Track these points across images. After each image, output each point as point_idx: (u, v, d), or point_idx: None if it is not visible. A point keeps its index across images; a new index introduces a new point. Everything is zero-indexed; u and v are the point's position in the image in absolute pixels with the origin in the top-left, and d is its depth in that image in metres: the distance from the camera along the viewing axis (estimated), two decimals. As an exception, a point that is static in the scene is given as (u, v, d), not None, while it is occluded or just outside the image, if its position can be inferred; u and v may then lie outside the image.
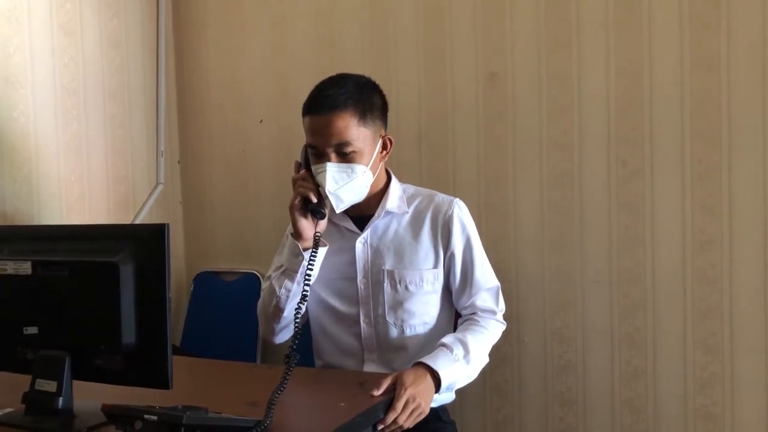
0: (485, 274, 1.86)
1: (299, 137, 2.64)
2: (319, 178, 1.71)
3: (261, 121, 2.75)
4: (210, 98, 2.84)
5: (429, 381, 1.61)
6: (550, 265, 2.32)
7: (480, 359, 1.77)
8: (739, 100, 2.07)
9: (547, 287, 2.33)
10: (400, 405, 1.51)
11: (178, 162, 2.91)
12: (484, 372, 2.36)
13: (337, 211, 1.75)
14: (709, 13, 2.08)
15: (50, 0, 2.35)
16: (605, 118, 2.22)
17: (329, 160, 1.70)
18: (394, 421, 1.51)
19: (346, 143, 1.70)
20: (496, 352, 2.36)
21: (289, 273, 1.74)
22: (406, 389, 1.53)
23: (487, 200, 2.35)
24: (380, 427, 1.50)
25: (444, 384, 1.63)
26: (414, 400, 1.53)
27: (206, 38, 2.83)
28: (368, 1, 2.52)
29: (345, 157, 1.70)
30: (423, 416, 1.56)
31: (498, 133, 2.36)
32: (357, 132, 1.71)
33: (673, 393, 2.19)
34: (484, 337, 1.79)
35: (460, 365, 1.69)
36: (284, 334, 1.85)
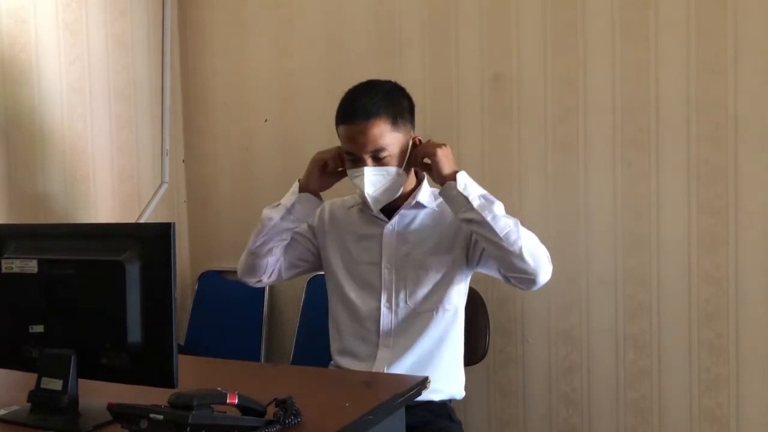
0: None
1: (304, 137, 2.67)
2: (356, 182, 1.79)
3: (266, 121, 2.75)
4: (215, 98, 2.84)
5: (453, 160, 1.77)
6: (555, 266, 2.29)
7: (507, 218, 1.72)
8: (746, 101, 2.06)
9: (552, 288, 2.31)
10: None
11: (183, 161, 2.91)
12: (489, 371, 2.38)
13: (374, 212, 1.85)
14: (716, 15, 2.08)
15: (56, -1, 2.36)
16: (611, 119, 2.22)
17: (365, 165, 1.76)
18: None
19: (381, 149, 1.76)
20: (500, 353, 2.37)
21: (280, 208, 1.85)
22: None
23: (492, 200, 2.35)
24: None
25: (459, 179, 1.71)
26: (433, 142, 1.76)
27: (212, 38, 2.83)
28: (374, 3, 2.52)
29: (380, 161, 1.77)
30: (431, 150, 1.74)
31: (503, 134, 2.36)
32: (390, 137, 1.77)
33: (679, 394, 2.19)
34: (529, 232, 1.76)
35: (482, 191, 1.73)
36: (251, 275, 1.93)
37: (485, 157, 2.38)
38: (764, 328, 2.08)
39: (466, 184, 1.71)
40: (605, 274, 2.25)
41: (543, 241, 2.29)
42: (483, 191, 1.74)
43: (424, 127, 2.41)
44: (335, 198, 2.01)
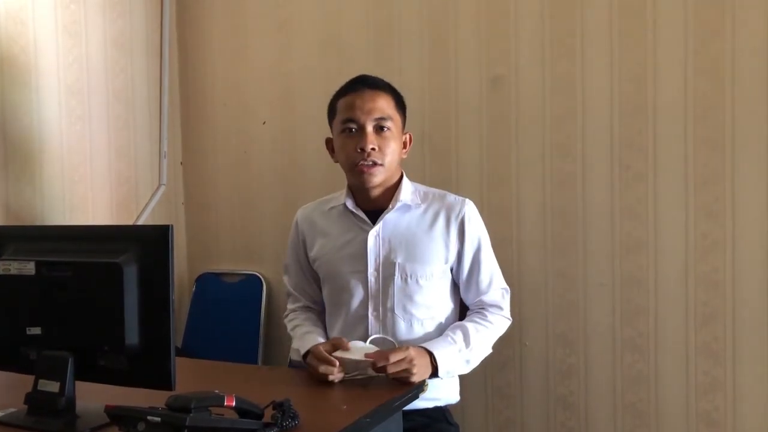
0: (494, 274, 1.90)
1: (302, 139, 2.67)
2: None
3: (264, 123, 2.75)
4: (213, 100, 2.84)
5: (428, 361, 1.68)
6: (553, 268, 2.32)
7: (480, 349, 1.81)
8: (743, 105, 2.07)
9: (549, 290, 2.33)
10: (395, 358, 1.59)
11: (181, 163, 2.91)
12: (486, 374, 2.38)
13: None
14: (714, 20, 2.08)
15: (55, 1, 2.36)
16: (609, 122, 2.22)
17: (366, 134, 1.79)
18: (382, 367, 1.58)
19: (387, 118, 1.81)
20: (498, 355, 2.36)
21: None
22: (409, 351, 1.62)
23: (490, 203, 2.36)
24: (369, 359, 1.59)
25: (441, 369, 1.69)
26: (410, 362, 1.60)
27: (210, 40, 2.83)
28: (373, 4, 2.52)
29: (381, 132, 1.80)
30: (407, 379, 1.61)
31: (501, 135, 2.36)
32: (394, 113, 1.84)
33: (676, 398, 2.19)
34: (488, 330, 1.83)
35: (460, 354, 1.75)
36: None
37: (483, 158, 2.39)
38: (761, 331, 2.08)
39: (448, 371, 1.72)
40: (603, 276, 2.25)
41: (542, 241, 2.31)
42: (458, 348, 1.75)
43: (422, 129, 2.42)
44: (307, 204, 2.00)
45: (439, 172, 2.42)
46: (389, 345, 1.75)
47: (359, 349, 1.65)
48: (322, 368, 1.60)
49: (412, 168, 2.40)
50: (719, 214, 2.11)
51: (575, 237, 2.28)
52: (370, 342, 1.73)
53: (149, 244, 1.38)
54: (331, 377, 1.60)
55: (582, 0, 2.23)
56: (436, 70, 2.44)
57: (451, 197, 1.90)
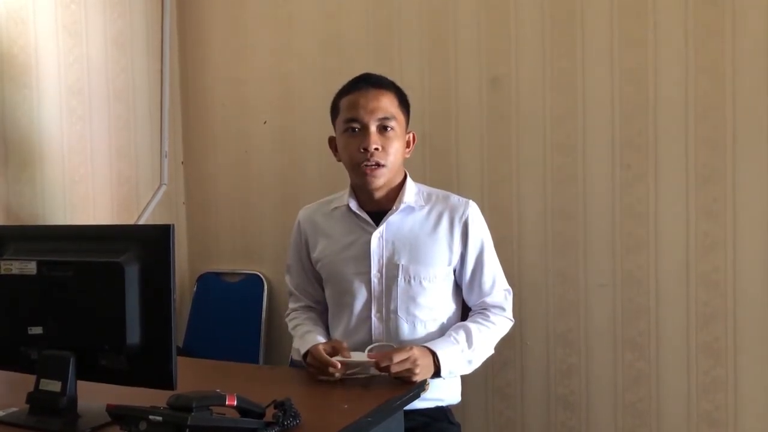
0: (497, 276, 1.90)
1: (302, 138, 2.67)
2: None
3: (264, 123, 2.75)
4: (214, 99, 2.84)
5: (431, 361, 1.68)
6: (554, 268, 2.32)
7: (483, 350, 1.82)
8: (744, 104, 2.07)
9: (550, 290, 2.33)
10: (398, 358, 1.59)
11: (182, 163, 2.91)
12: (487, 374, 2.38)
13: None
14: (714, 19, 2.08)
15: (55, 1, 2.36)
16: (609, 121, 2.22)
17: (369, 134, 1.77)
18: (385, 366, 1.58)
19: (391, 117, 1.80)
20: (498, 355, 2.37)
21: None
22: (413, 350, 1.62)
23: (491, 202, 2.36)
24: (372, 359, 1.60)
25: (443, 369, 1.69)
26: (413, 362, 1.60)
27: (211, 39, 2.83)
28: (373, 4, 2.52)
29: (385, 132, 1.79)
30: (410, 379, 1.60)
31: (502, 135, 2.36)
32: (398, 112, 1.82)
33: (677, 397, 2.19)
34: (490, 331, 1.83)
35: (462, 354, 1.75)
36: None
37: (484, 159, 2.39)
38: (762, 330, 2.09)
39: (450, 371, 1.72)
40: (603, 276, 2.25)
41: (542, 241, 2.31)
42: (461, 348, 1.75)
43: (422, 129, 2.42)
44: (309, 204, 2.00)
45: (439, 172, 2.42)
46: (389, 348, 1.75)
47: (358, 356, 1.66)
48: (331, 370, 1.60)
49: (412, 168, 2.38)
50: (720, 213, 2.11)
51: (575, 237, 2.28)
52: (369, 351, 1.72)
53: (150, 243, 1.39)
54: (333, 374, 1.60)
55: (582, 0, 2.23)
56: (436, 70, 2.44)
57: (455, 198, 1.89)
